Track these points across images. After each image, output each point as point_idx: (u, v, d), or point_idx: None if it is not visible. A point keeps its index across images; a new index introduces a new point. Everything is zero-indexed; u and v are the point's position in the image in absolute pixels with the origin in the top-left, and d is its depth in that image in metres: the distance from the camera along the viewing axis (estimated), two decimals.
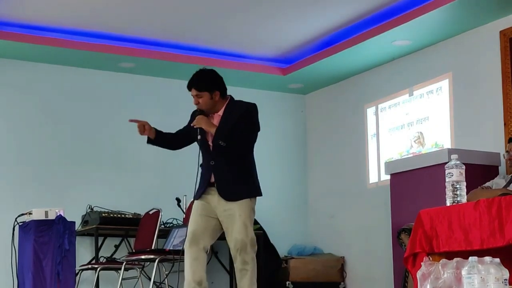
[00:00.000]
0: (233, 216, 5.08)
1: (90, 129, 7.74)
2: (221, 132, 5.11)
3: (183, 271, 6.57)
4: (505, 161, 5.84)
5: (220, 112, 5.23)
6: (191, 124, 5.24)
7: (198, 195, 5.24)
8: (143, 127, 5.33)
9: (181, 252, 5.29)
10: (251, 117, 5.21)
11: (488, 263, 3.61)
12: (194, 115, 5.33)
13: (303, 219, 8.58)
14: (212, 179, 5.16)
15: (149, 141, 5.42)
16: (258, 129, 5.28)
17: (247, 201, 5.15)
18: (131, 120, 5.38)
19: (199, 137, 5.18)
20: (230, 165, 5.16)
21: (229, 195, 5.12)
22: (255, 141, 5.28)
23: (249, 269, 5.06)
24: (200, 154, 5.27)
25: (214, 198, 5.16)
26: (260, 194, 5.28)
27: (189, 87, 5.23)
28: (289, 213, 8.50)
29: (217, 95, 5.19)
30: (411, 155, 7.25)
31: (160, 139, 5.42)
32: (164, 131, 8.23)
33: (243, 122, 5.16)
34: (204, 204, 5.18)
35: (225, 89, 5.26)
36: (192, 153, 8.09)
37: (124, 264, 6.60)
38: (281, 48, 7.67)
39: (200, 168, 5.33)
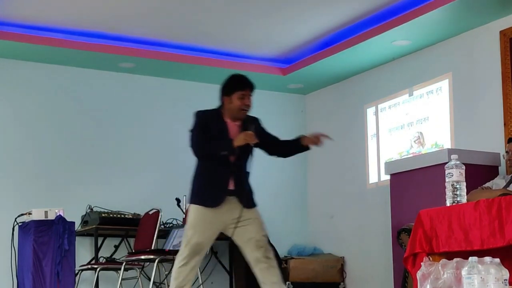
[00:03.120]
0: (255, 220, 5.12)
1: (90, 129, 7.74)
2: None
3: None
4: (505, 161, 5.84)
5: (238, 123, 5.19)
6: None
7: (215, 203, 5.05)
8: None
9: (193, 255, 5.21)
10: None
11: (488, 263, 3.61)
12: (206, 116, 5.27)
13: (303, 219, 8.58)
14: (231, 186, 5.07)
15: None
16: None
17: (257, 209, 5.22)
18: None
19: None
20: (245, 172, 5.17)
21: (251, 203, 5.13)
22: None
23: (274, 265, 5.11)
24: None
25: (232, 207, 5.05)
26: None
27: (251, 87, 5.20)
28: (289, 213, 8.50)
29: None
30: (411, 155, 7.25)
31: None
32: (163, 130, 8.26)
33: (265, 134, 5.27)
34: (217, 216, 5.05)
35: None
36: (191, 153, 8.11)
37: (123, 264, 6.61)
38: (281, 48, 7.66)
39: (206, 172, 5.19)
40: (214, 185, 5.07)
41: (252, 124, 5.17)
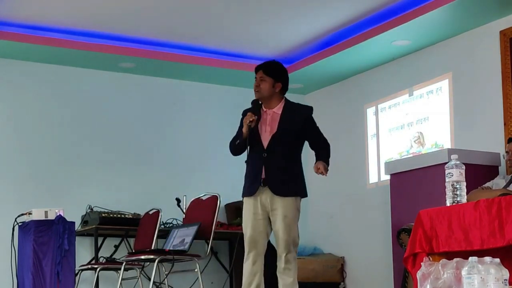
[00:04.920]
0: (279, 216, 5.15)
1: (90, 129, 7.73)
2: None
3: (183, 271, 6.62)
4: (505, 161, 5.84)
5: (277, 110, 5.29)
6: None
7: (250, 192, 5.22)
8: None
9: (244, 259, 5.27)
10: (314, 121, 5.41)
11: (488, 263, 3.61)
12: (245, 112, 5.35)
13: (303, 219, 8.53)
14: (263, 175, 5.17)
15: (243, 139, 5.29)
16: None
17: (293, 199, 5.20)
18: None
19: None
20: (281, 161, 5.21)
21: (280, 191, 5.17)
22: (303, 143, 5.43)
23: (292, 268, 5.21)
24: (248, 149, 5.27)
25: (265, 196, 5.18)
26: (306, 195, 5.33)
27: (258, 69, 5.35)
28: None
29: (278, 87, 5.31)
30: (411, 155, 7.25)
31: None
32: (163, 130, 8.25)
33: (308, 128, 5.33)
34: (256, 206, 5.20)
35: (287, 88, 5.38)
36: (191, 153, 8.12)
37: (123, 264, 6.59)
38: (281, 48, 7.66)
39: (246, 164, 5.32)
40: (250, 176, 5.24)
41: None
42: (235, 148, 5.32)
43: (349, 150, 8.11)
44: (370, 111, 7.91)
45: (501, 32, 6.47)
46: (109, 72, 7.84)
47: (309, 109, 5.44)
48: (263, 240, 5.24)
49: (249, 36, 7.39)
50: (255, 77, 5.35)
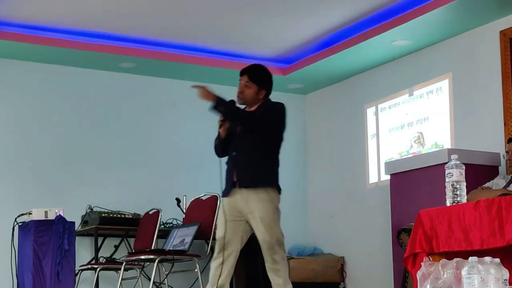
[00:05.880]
0: (257, 219, 5.09)
1: (90, 129, 7.73)
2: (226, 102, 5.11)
3: (183, 271, 6.63)
4: (505, 161, 5.84)
5: (253, 110, 5.26)
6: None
7: (226, 193, 5.22)
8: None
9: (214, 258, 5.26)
10: (273, 110, 5.20)
11: (488, 263, 3.61)
12: None
13: (303, 219, 8.57)
14: (235, 178, 5.14)
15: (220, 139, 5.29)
16: (282, 127, 5.23)
17: (268, 201, 5.11)
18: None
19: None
20: (248, 157, 5.16)
21: (245, 182, 5.11)
22: (277, 137, 5.23)
23: (281, 268, 5.14)
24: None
25: (240, 199, 5.15)
26: (279, 190, 5.21)
27: (242, 73, 5.28)
28: (289, 213, 8.46)
29: (262, 94, 5.25)
30: (411, 155, 7.25)
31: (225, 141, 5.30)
32: (163, 130, 8.25)
33: (263, 112, 5.17)
34: (231, 207, 5.17)
35: (270, 93, 5.30)
36: (191, 153, 8.12)
37: (123, 264, 6.60)
38: (281, 48, 7.66)
39: (226, 165, 5.32)
40: (226, 177, 5.24)
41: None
42: (215, 148, 5.31)
43: (349, 150, 8.12)
44: (370, 111, 7.91)
45: (501, 32, 6.47)
46: (109, 72, 7.83)
47: (274, 103, 5.29)
48: (235, 241, 5.16)
49: (249, 36, 7.39)
50: (239, 81, 5.27)
